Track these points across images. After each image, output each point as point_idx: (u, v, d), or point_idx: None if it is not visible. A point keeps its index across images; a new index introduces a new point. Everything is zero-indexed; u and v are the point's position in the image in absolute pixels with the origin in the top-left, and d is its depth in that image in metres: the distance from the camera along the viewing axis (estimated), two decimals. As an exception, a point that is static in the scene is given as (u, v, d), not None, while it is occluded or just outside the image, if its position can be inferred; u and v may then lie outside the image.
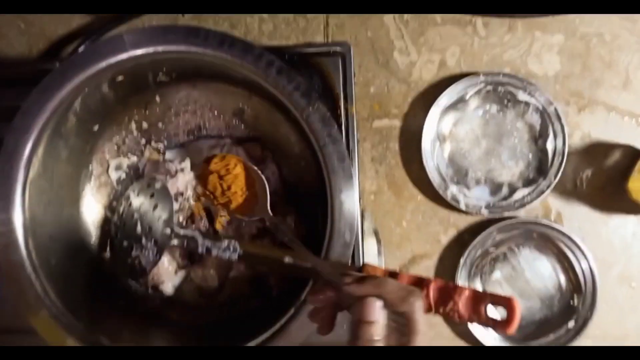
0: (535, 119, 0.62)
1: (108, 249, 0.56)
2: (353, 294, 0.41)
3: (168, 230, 0.53)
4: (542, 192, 0.61)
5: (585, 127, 0.63)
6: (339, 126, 0.54)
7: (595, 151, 0.63)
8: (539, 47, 0.63)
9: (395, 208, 0.64)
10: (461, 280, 0.62)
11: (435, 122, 0.62)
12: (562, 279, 0.63)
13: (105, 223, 0.58)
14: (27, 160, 0.49)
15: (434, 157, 0.62)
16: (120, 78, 0.52)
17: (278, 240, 0.56)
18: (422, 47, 0.64)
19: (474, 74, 0.62)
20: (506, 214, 0.62)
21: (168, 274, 0.56)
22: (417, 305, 0.39)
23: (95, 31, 0.64)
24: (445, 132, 0.63)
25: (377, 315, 0.40)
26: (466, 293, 0.42)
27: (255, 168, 0.54)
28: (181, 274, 0.57)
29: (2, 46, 0.67)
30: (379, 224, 0.64)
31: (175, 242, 0.53)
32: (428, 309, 0.42)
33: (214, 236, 0.53)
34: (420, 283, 0.43)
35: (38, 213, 0.50)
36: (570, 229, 0.62)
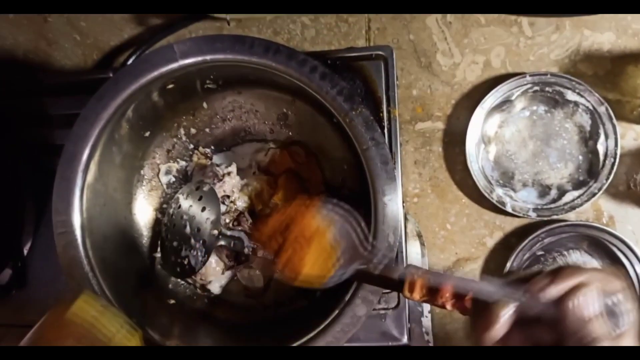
0: (585, 120, 0.60)
1: (159, 249, 0.58)
2: (552, 297, 0.34)
3: (215, 231, 0.55)
4: (594, 194, 0.59)
5: (638, 127, 0.60)
6: (382, 129, 0.55)
7: (650, 152, 0.60)
8: (588, 46, 0.62)
9: (439, 211, 0.64)
10: (508, 284, 0.61)
11: (480, 124, 0.61)
12: (615, 284, 0.61)
13: (156, 224, 0.60)
14: (85, 166, 0.51)
15: (478, 159, 0.61)
16: (170, 86, 0.54)
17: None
18: (465, 48, 0.63)
19: (520, 74, 0.60)
20: (555, 217, 0.61)
21: (216, 274, 0.58)
22: (627, 292, 0.33)
23: (146, 41, 0.66)
24: (490, 134, 0.62)
25: (599, 306, 0.33)
26: None
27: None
28: (228, 274, 0.59)
29: (60, 57, 0.71)
30: (423, 227, 0.63)
31: (222, 242, 0.55)
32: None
33: (259, 237, 0.54)
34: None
35: (94, 214, 0.53)
36: (623, 233, 0.59)
